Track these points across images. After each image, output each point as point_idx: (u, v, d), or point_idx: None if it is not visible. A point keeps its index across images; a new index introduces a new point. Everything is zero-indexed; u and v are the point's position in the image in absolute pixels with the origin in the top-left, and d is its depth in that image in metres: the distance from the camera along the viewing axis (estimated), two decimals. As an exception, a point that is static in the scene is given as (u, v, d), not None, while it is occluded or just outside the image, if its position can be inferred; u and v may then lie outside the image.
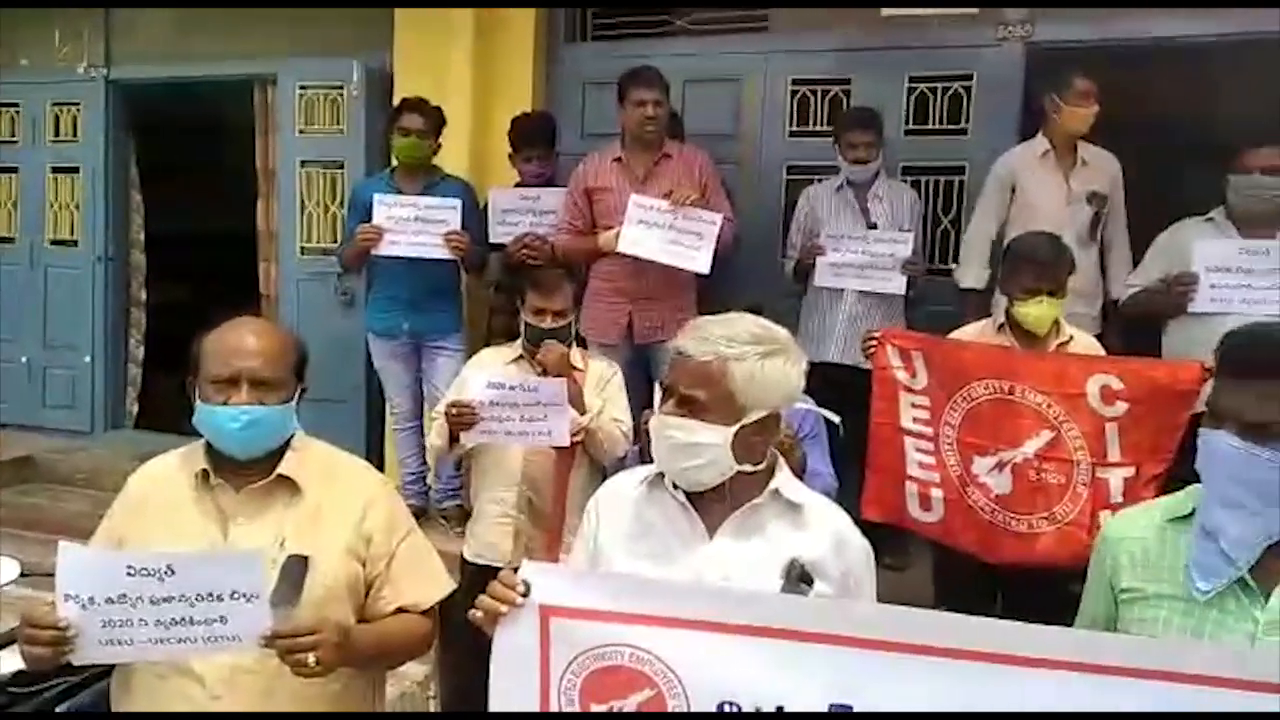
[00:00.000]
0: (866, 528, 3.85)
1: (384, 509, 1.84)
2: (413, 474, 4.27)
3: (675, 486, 1.64)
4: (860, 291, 3.81)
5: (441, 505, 4.24)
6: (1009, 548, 2.82)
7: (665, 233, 3.62)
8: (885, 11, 4.25)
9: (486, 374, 2.75)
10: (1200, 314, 3.18)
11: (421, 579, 1.86)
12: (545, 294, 2.86)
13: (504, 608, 1.44)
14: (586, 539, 1.74)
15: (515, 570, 1.48)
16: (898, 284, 3.74)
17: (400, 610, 1.82)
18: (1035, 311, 2.82)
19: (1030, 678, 1.28)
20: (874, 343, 3.02)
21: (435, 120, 4.11)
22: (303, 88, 5.01)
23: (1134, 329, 3.55)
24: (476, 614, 1.47)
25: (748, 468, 1.62)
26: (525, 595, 1.43)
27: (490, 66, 4.68)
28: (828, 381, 3.65)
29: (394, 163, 4.18)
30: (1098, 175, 3.75)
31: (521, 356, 2.92)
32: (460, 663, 2.81)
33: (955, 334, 3.15)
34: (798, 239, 4.02)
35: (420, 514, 4.32)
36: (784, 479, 1.66)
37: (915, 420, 2.95)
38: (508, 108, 4.44)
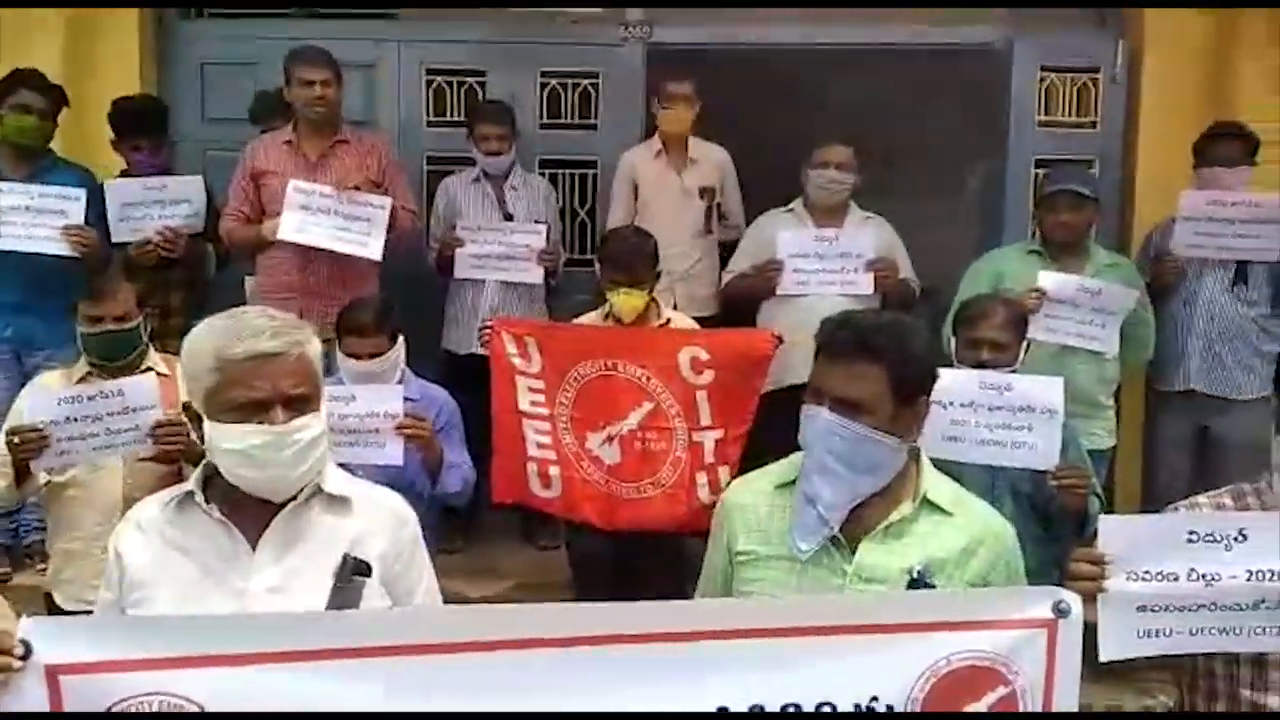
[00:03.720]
0: (524, 512, 4.00)
1: None
2: (1, 505, 3.76)
3: (209, 502, 1.57)
4: (502, 282, 3.88)
5: (27, 542, 3.77)
6: (623, 515, 3.07)
7: (331, 219, 3.50)
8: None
9: (51, 394, 2.49)
10: (786, 295, 3.57)
11: None
12: (98, 300, 2.65)
13: None
14: (110, 581, 1.61)
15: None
16: (535, 274, 3.85)
17: None
18: (618, 301, 3.06)
19: (610, 653, 1.34)
20: (488, 331, 3.12)
21: (57, 99, 3.64)
22: None
23: (736, 310, 3.94)
24: None
25: None
26: (25, 657, 1.29)
27: (88, 39, 4.18)
28: (473, 372, 3.74)
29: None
30: (708, 170, 4.10)
31: (91, 373, 2.66)
32: None
33: (573, 323, 3.35)
34: (438, 230, 4.03)
35: (6, 551, 3.81)
36: (326, 474, 1.62)
37: (532, 403, 3.11)
38: (113, 88, 4.01)
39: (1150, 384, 3.75)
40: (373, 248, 3.52)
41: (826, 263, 3.57)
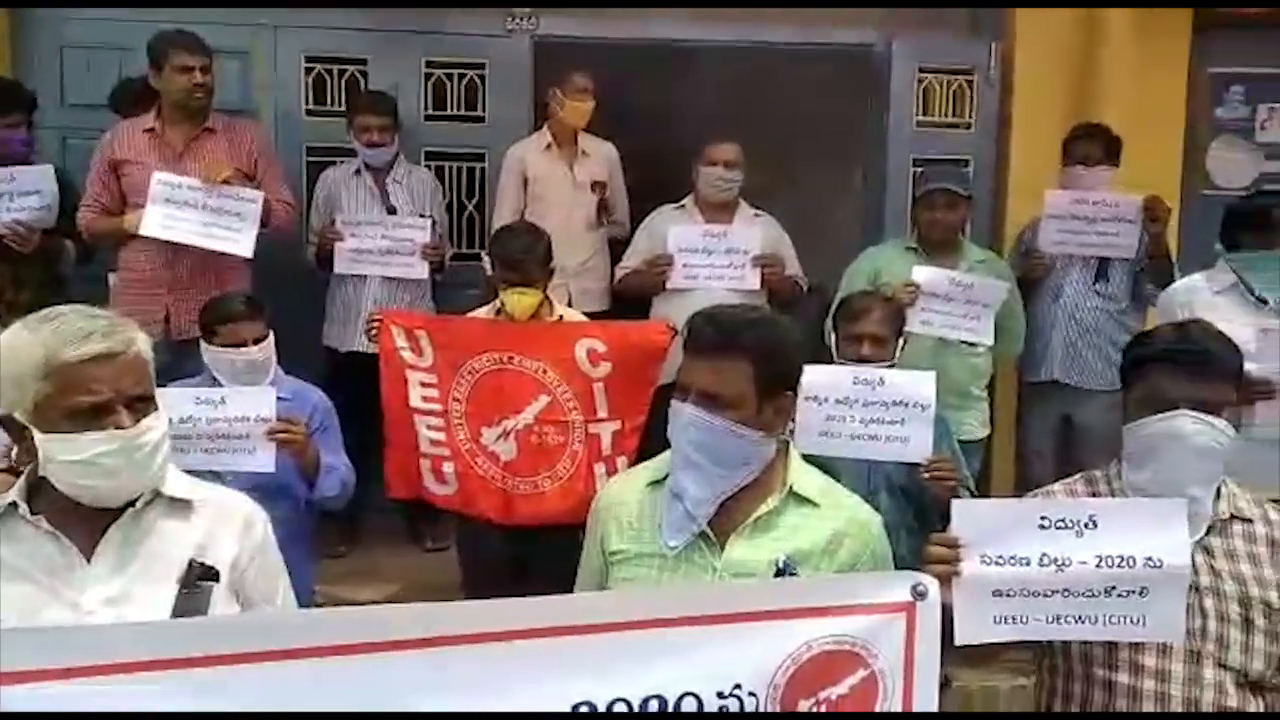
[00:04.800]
0: (410, 513, 3.92)
1: None
2: None
3: (35, 513, 1.47)
4: (385, 277, 3.79)
5: None
6: (520, 510, 3.02)
7: (200, 213, 3.35)
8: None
9: None
10: (676, 290, 3.59)
11: None
12: None
13: None
14: None
15: None
16: (420, 270, 3.77)
17: None
18: (510, 300, 3.02)
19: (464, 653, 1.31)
20: (377, 325, 3.04)
21: None
22: None
23: (628, 306, 3.93)
24: None
25: None
26: None
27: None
28: (353, 368, 3.64)
29: None
30: (598, 164, 4.10)
31: None
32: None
33: (466, 316, 3.26)
34: (317, 223, 3.91)
35: None
36: (166, 476, 1.55)
37: (424, 399, 3.03)
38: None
39: (1020, 375, 3.91)
40: (244, 244, 3.38)
41: (714, 258, 3.60)
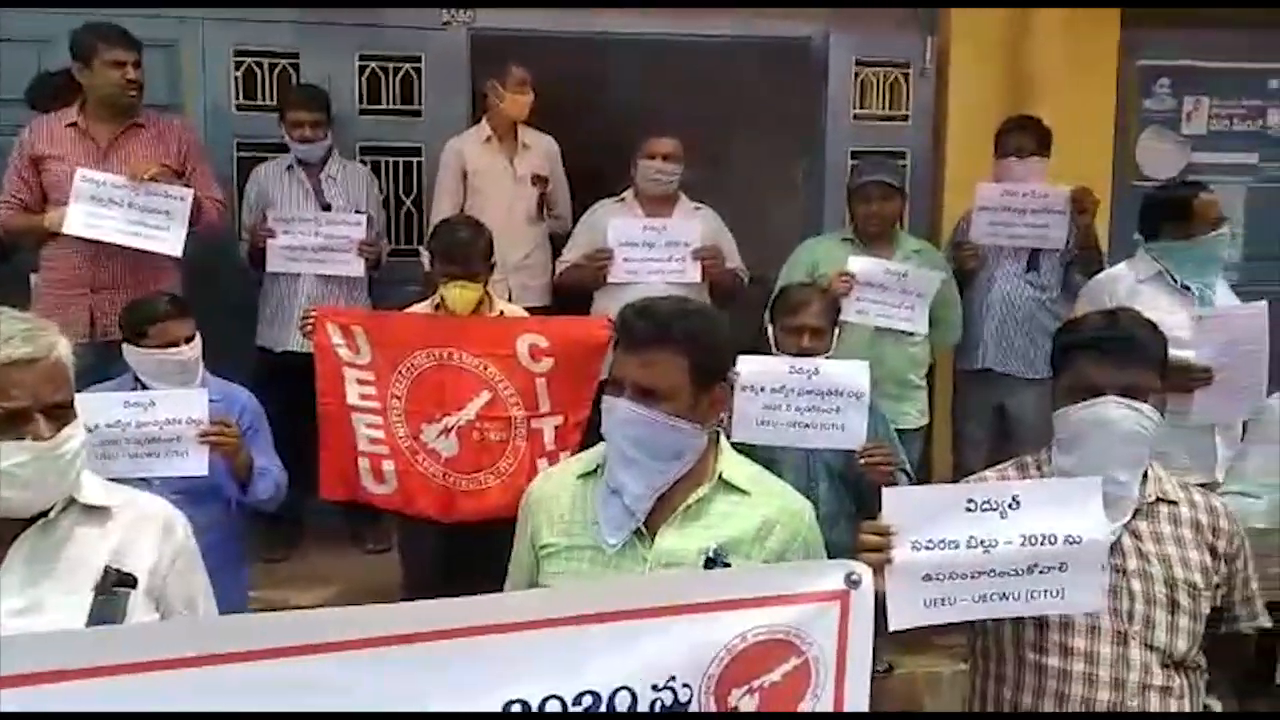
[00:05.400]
0: (350, 514, 3.86)
1: None
2: None
3: None
4: (319, 275, 3.72)
5: None
6: (462, 507, 3.00)
7: (126, 211, 3.26)
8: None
9: None
10: (617, 284, 3.56)
11: None
12: None
13: None
14: None
15: None
16: (356, 267, 3.71)
17: None
18: (451, 295, 2.98)
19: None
20: (312, 321, 2.98)
21: None
22: None
23: (569, 301, 3.91)
24: None
25: None
26: None
27: None
28: (288, 369, 3.56)
29: None
30: (539, 157, 4.06)
31: None
32: None
33: (404, 312, 3.22)
34: (249, 220, 3.82)
35: None
36: (81, 483, 1.50)
37: (362, 396, 2.99)
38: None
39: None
40: (172, 242, 3.29)
41: (655, 251, 3.59)
